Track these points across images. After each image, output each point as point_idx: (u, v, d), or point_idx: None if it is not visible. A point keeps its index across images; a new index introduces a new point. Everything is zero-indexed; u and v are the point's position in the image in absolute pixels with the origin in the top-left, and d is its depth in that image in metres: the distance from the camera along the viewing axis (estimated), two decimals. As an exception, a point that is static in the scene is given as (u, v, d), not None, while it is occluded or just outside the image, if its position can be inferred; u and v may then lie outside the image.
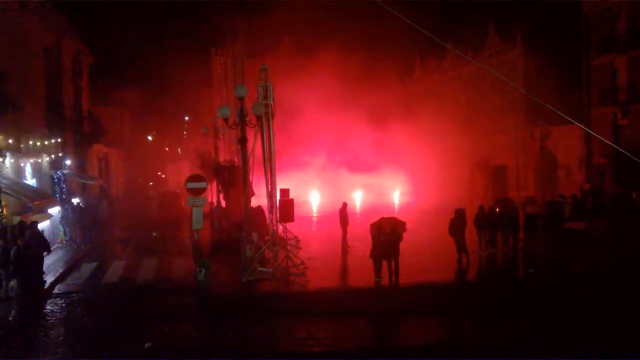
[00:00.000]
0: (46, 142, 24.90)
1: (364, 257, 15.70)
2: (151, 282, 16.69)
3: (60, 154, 27.44)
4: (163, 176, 60.91)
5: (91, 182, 34.07)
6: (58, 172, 26.25)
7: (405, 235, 15.50)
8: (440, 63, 39.66)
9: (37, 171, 23.69)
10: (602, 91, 28.41)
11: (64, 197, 25.63)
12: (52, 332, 12.45)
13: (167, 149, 73.99)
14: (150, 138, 72.42)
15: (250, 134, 16.32)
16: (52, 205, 21.16)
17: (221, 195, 25.73)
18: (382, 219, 15.59)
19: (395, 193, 35.33)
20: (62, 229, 22.71)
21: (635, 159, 10.23)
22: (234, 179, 22.89)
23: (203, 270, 14.20)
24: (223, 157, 30.56)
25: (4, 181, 18.15)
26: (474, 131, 35.35)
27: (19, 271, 13.82)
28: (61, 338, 12.02)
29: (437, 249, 18.14)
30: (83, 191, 32.17)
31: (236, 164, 24.67)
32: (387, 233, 14.90)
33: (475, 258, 17.60)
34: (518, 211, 19.00)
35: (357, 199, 34.94)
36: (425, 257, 17.56)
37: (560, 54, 30.21)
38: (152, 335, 11.87)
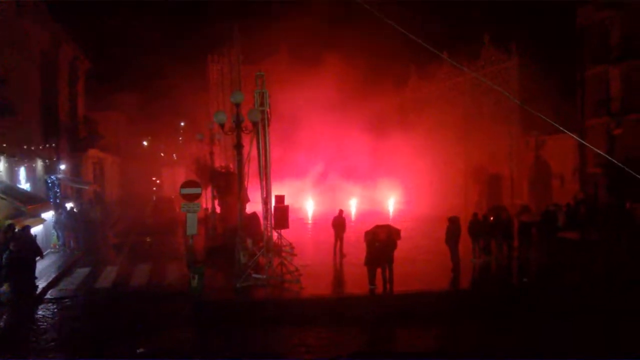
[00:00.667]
0: (41, 147, 24.84)
1: (358, 264, 15.69)
2: (144, 287, 16.63)
3: (54, 159, 27.38)
4: (158, 181, 60.79)
5: (85, 187, 33.97)
6: (52, 177, 26.17)
7: (399, 243, 15.52)
8: (436, 72, 39.82)
9: (31, 175, 23.60)
10: (596, 101, 28.61)
11: (57, 201, 25.54)
12: (44, 337, 12.38)
13: (162, 154, 73.89)
14: (145, 143, 72.34)
15: (246, 140, 16.34)
16: (45, 210, 21.08)
17: (216, 201, 25.70)
18: (377, 227, 15.61)
19: (390, 201, 35.36)
20: (55, 233, 22.60)
21: (628, 169, 10.32)
22: (229, 185, 22.89)
23: (197, 276, 14.18)
24: (218, 162, 30.59)
25: (-2, 185, 18.10)
26: (469, 140, 35.46)
27: (11, 276, 13.75)
28: (53, 343, 11.95)
29: (431, 256, 18.16)
30: (77, 196, 32.06)
31: (231, 170, 24.68)
32: (381, 241, 14.91)
33: (470, 266, 17.66)
34: (512, 219, 19.07)
35: (352, 206, 34.97)
36: (419, 264, 17.58)
37: (555, 64, 30.42)
38: (145, 340, 11.83)
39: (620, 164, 11.24)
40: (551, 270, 17.07)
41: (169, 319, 13.49)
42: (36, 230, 18.49)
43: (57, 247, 22.42)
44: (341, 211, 20.01)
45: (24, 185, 22.38)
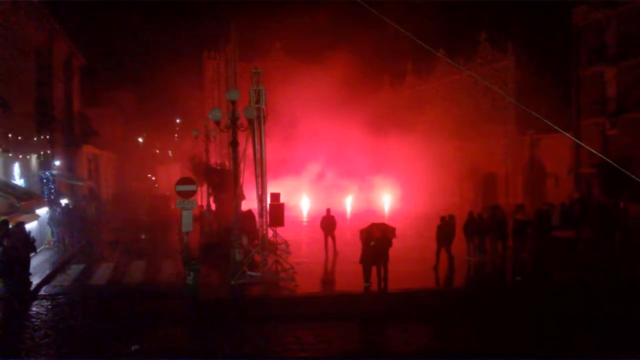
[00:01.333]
0: (35, 143, 24.73)
1: (353, 262, 15.71)
2: (139, 284, 16.59)
3: (49, 155, 27.26)
4: (153, 178, 60.64)
5: (80, 184, 33.85)
6: (47, 173, 26.05)
7: (394, 241, 15.55)
8: (432, 70, 39.90)
9: (25, 171, 23.50)
10: (592, 101, 28.71)
11: (52, 198, 25.44)
12: (37, 333, 12.33)
13: (157, 151, 73.73)
14: (141, 140, 72.13)
15: (242, 138, 16.32)
16: (40, 206, 21.00)
17: (211, 199, 25.67)
18: (372, 225, 15.63)
19: (385, 199, 35.42)
20: (50, 229, 22.53)
21: (622, 169, 10.37)
22: (224, 182, 22.87)
23: (192, 273, 14.15)
24: (214, 160, 30.54)
25: (-8, 181, 18.01)
26: (465, 138, 35.59)
27: (4, 272, 13.70)
28: (47, 340, 11.90)
29: (426, 255, 18.18)
30: (72, 192, 31.95)
31: (227, 168, 24.65)
32: (377, 239, 14.93)
33: (465, 265, 17.73)
34: (507, 218, 19.13)
35: (348, 204, 35.02)
36: (414, 263, 17.61)
37: (552, 64, 30.53)
38: (140, 337, 11.80)
39: (614, 164, 11.30)
40: (545, 269, 17.15)
41: (164, 315, 13.45)
42: (30, 226, 18.43)
43: (52, 243, 22.36)
44: (329, 210, 20.06)
45: (18, 181, 22.28)
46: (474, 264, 17.93)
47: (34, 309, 14.16)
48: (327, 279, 17.10)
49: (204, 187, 26.32)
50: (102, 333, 12.26)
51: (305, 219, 31.07)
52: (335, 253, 19.28)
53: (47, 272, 17.69)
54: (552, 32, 30.98)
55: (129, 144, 64.48)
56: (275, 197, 18.67)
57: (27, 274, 15.07)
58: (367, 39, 37.06)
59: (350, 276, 15.78)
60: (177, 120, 71.89)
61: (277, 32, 43.69)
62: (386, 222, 17.66)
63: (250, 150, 16.67)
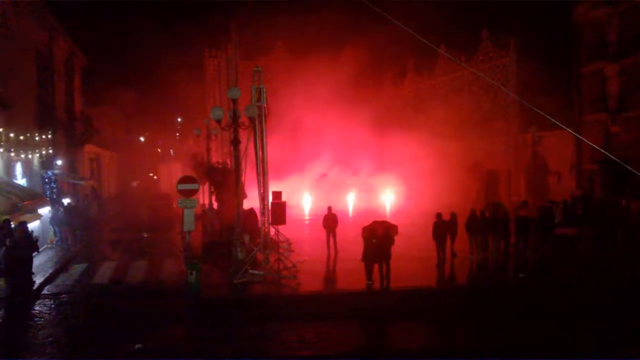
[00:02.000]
0: (37, 142, 24.75)
1: (355, 260, 15.71)
2: (142, 283, 16.61)
3: (51, 154, 27.28)
4: (155, 177, 60.72)
5: (82, 183, 33.88)
6: (49, 172, 26.09)
7: (397, 239, 15.53)
8: (433, 67, 39.84)
9: (27, 171, 23.52)
10: (593, 98, 28.66)
11: (54, 197, 25.47)
12: (40, 332, 12.36)
13: (159, 150, 73.80)
14: (142, 139, 72.19)
15: (243, 136, 16.32)
16: (42, 206, 21.01)
17: (213, 197, 25.67)
18: (374, 223, 15.62)
19: (387, 197, 35.37)
20: (52, 229, 22.55)
21: (625, 164, 10.34)
22: (226, 181, 22.86)
23: (194, 272, 14.16)
24: (215, 158, 30.53)
25: (-6, 181, 18.03)
26: (467, 136, 35.52)
27: (7, 271, 13.72)
28: (50, 339, 11.92)
29: (428, 253, 18.16)
30: (74, 192, 31.98)
31: (229, 166, 24.64)
32: (379, 237, 14.92)
33: (467, 262, 17.72)
34: (509, 216, 19.10)
35: (350, 202, 34.99)
36: (416, 261, 17.60)
37: (553, 61, 30.44)
38: (142, 336, 11.81)
39: (617, 160, 11.27)
40: (547, 266, 17.13)
41: (167, 314, 13.47)
42: (33, 225, 18.45)
43: (54, 242, 22.39)
44: (330, 208, 20.04)
45: (21, 180, 22.30)
46: (476, 262, 17.90)
47: (36, 308, 14.19)
48: (330, 277, 17.09)
49: (206, 186, 26.31)
50: (105, 332, 12.27)
51: (307, 217, 31.06)
52: (336, 251, 19.27)
53: (50, 271, 17.72)
54: (553, 29, 30.89)
55: (130, 143, 64.55)
56: (277, 195, 18.66)
57: (30, 273, 15.11)
58: (369, 36, 37.00)
59: (352, 274, 15.76)
60: (179, 119, 71.99)
61: (278, 30, 43.64)
62: (388, 220, 17.64)
63: (251, 149, 16.65)
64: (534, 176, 31.75)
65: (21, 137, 21.97)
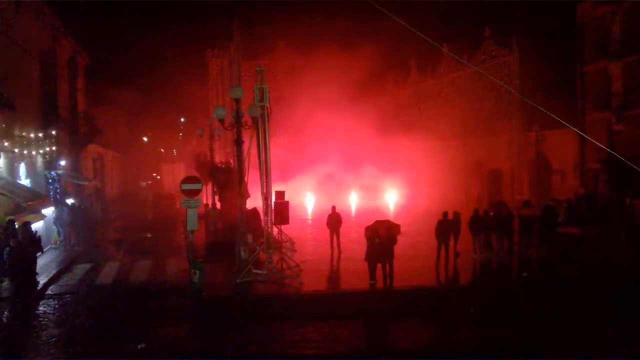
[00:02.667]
0: (40, 143, 24.82)
1: (358, 259, 15.70)
2: (145, 283, 16.64)
3: (54, 155, 27.35)
4: (158, 177, 60.82)
5: (85, 183, 33.96)
6: (52, 173, 26.14)
7: (400, 238, 15.51)
8: (436, 67, 39.78)
9: (31, 171, 23.58)
10: (597, 96, 28.55)
11: (58, 197, 25.53)
12: (44, 333, 12.39)
13: (162, 150, 73.87)
14: (145, 139, 72.29)
15: (246, 136, 16.32)
16: (46, 206, 21.07)
17: (216, 197, 25.70)
18: (377, 222, 15.64)
19: (390, 196, 35.37)
20: (56, 229, 22.60)
21: (629, 163, 10.30)
22: (229, 181, 22.88)
23: (197, 272, 14.16)
24: (218, 158, 30.60)
25: (-2, 181, 18.08)
26: (469, 135, 35.48)
27: (11, 272, 13.75)
28: (54, 339, 11.96)
29: (431, 252, 18.15)
30: (77, 192, 32.05)
31: (232, 166, 24.66)
32: (381, 236, 14.92)
33: (470, 261, 17.69)
34: (512, 215, 19.07)
35: (352, 202, 34.99)
36: (420, 260, 17.56)
37: (556, 59, 30.34)
38: (146, 336, 11.84)
39: (621, 158, 11.23)
40: (551, 265, 17.09)
41: (170, 314, 13.50)
42: (37, 226, 18.50)
43: (58, 243, 22.44)
44: (334, 207, 20.03)
45: (24, 181, 22.37)
46: (479, 261, 17.87)
47: (41, 308, 14.23)
48: (333, 276, 17.08)
49: (209, 186, 26.35)
50: (108, 332, 12.30)
51: (310, 217, 31.07)
52: (340, 251, 19.27)
53: (54, 271, 17.76)
54: (556, 27, 30.78)
55: (133, 143, 64.65)
56: (280, 195, 18.67)
57: (34, 273, 15.11)
58: (371, 36, 37.01)
59: (356, 274, 15.77)
60: (182, 119, 72.03)
61: (281, 30, 43.66)
62: (391, 219, 17.63)
63: (254, 149, 16.66)
64: (538, 175, 31.67)
65: (24, 138, 22.04)
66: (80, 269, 18.81)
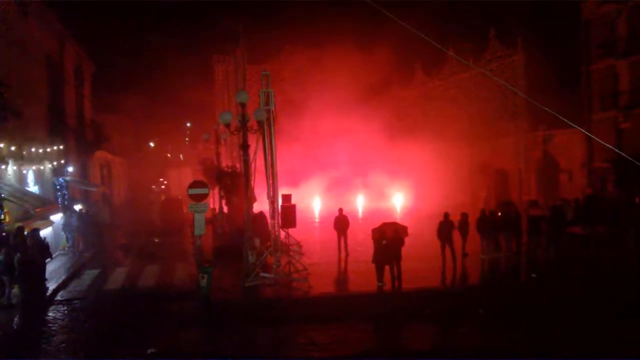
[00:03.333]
0: (48, 150, 24.99)
1: (366, 262, 15.68)
2: (153, 288, 16.68)
3: (62, 161, 27.52)
4: (165, 182, 61.03)
5: (93, 189, 34.13)
6: (60, 179, 26.30)
7: (407, 240, 15.48)
8: (441, 68, 39.70)
9: (39, 178, 23.74)
10: (603, 95, 28.43)
11: (66, 204, 25.67)
12: (54, 338, 12.45)
13: (169, 155, 74.16)
14: (152, 144, 72.59)
15: (252, 140, 16.36)
16: (54, 212, 21.19)
17: (223, 201, 25.76)
18: (384, 224, 15.61)
19: (397, 198, 35.31)
20: (64, 235, 22.73)
21: (637, 162, 10.24)
22: (236, 185, 22.93)
23: (205, 276, 14.19)
24: (225, 163, 30.67)
25: (7, 188, 18.19)
26: (476, 135, 35.36)
27: (21, 278, 13.84)
28: (64, 344, 12.02)
29: (439, 253, 18.11)
30: (85, 198, 32.22)
31: (238, 170, 24.72)
32: (389, 238, 14.90)
33: (479, 262, 17.63)
34: (520, 215, 18.98)
35: (359, 204, 34.95)
36: (427, 261, 17.51)
37: (562, 58, 30.25)
38: (155, 341, 11.87)
39: (629, 157, 11.16)
40: (560, 265, 17.00)
41: (179, 318, 13.53)
42: (45, 232, 18.61)
43: (67, 249, 22.56)
44: (341, 210, 20.02)
45: (33, 188, 22.51)
46: (488, 262, 17.81)
47: (50, 314, 14.30)
48: (341, 279, 17.06)
49: (216, 190, 26.42)
50: (118, 337, 12.34)
51: (317, 220, 31.06)
52: (347, 253, 19.26)
53: (63, 277, 17.85)
54: (562, 26, 30.70)
55: (140, 148, 64.94)
56: (287, 198, 18.68)
57: (43, 279, 15.22)
58: (377, 37, 37.01)
59: (363, 276, 15.76)
60: (188, 124, 72.31)
61: (286, 34, 43.76)
62: (398, 221, 17.60)
63: (261, 152, 16.69)
64: (545, 175, 31.54)
65: (32, 150, 22.19)
66: (89, 274, 18.90)
